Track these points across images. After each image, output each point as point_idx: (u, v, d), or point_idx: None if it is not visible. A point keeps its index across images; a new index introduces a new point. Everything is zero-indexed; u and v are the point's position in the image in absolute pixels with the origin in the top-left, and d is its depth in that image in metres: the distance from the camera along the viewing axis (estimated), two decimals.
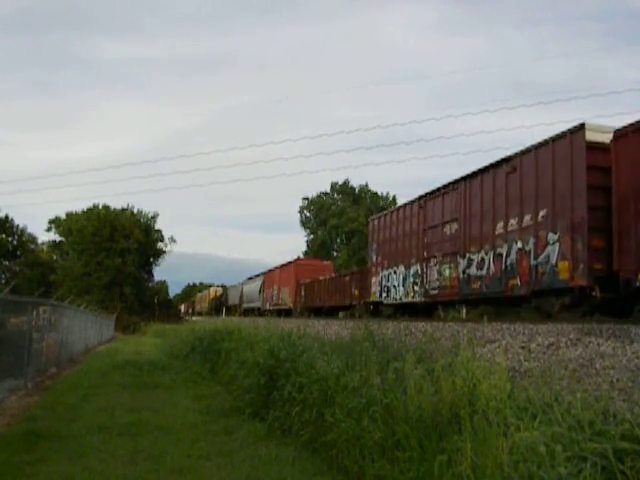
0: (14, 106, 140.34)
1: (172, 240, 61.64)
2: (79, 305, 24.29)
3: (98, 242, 54.44)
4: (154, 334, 39.06)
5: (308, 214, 68.50)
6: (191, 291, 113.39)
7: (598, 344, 7.19)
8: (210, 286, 74.74)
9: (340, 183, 67.39)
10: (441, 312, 17.20)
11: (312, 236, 67.21)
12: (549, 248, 11.34)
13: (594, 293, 10.18)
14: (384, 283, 19.21)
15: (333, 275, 28.28)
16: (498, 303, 14.43)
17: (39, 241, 68.00)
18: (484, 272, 13.50)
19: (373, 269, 20.32)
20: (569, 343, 7.62)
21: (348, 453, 5.82)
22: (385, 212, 21.04)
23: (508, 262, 12.58)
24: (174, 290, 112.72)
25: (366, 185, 67.09)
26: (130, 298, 55.15)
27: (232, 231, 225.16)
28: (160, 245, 61.36)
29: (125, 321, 50.79)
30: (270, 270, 39.92)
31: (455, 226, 15.03)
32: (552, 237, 11.29)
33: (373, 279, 20.12)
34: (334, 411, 6.33)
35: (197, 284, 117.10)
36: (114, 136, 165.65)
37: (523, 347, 8.11)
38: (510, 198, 12.69)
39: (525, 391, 4.63)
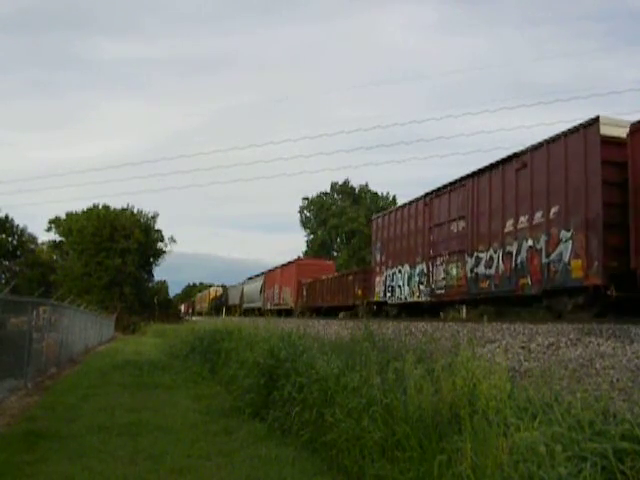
0: (14, 106, 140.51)
1: (172, 240, 61.78)
2: (79, 305, 24.29)
3: (98, 242, 54.48)
4: (154, 334, 39.06)
5: (308, 214, 68.48)
6: (191, 291, 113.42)
7: (598, 344, 7.18)
8: (210, 286, 74.73)
9: (340, 183, 67.39)
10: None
11: (312, 236, 67.18)
12: (562, 246, 11.02)
13: (609, 292, 9.87)
14: (388, 283, 18.88)
15: (336, 275, 27.91)
16: (507, 302, 14.11)
17: (39, 241, 68.12)
18: (493, 271, 13.16)
19: (377, 268, 19.95)
20: (569, 343, 7.62)
21: (348, 453, 5.82)
22: (389, 210, 20.63)
23: (518, 260, 12.26)
24: (174, 290, 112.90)
25: (366, 185, 67.13)
26: (130, 298, 55.18)
27: (232, 231, 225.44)
28: (160, 245, 61.47)
29: (125, 321, 50.79)
30: (271, 270, 39.57)
31: (462, 224, 14.69)
32: (565, 234, 10.96)
33: (377, 279, 19.79)
34: (334, 411, 6.33)
35: (197, 284, 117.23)
36: (114, 136, 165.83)
37: (523, 347, 8.11)
38: (520, 195, 12.36)
39: (525, 391, 4.63)
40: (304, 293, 30.62)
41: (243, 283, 48.81)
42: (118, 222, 56.07)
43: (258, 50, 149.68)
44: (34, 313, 13.22)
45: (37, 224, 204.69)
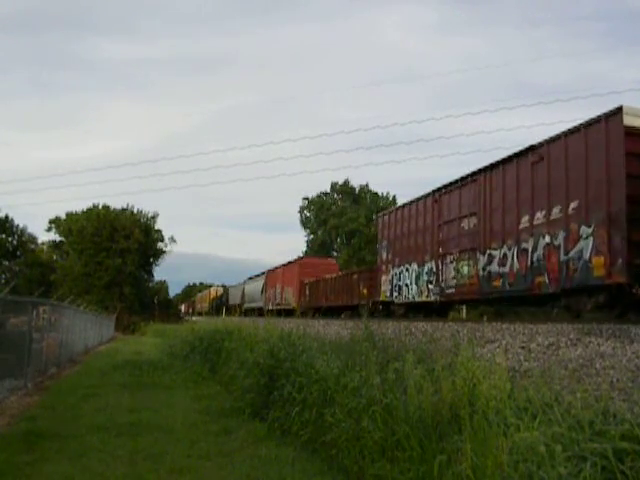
0: (14, 106, 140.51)
1: (172, 240, 61.77)
2: (79, 305, 24.29)
3: (98, 242, 54.48)
4: (154, 334, 39.06)
5: (308, 214, 68.47)
6: (191, 291, 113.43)
7: (598, 344, 7.18)
8: (210, 286, 74.65)
9: (340, 183, 67.39)
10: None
11: (312, 236, 67.18)
12: (582, 242, 10.48)
13: (634, 290, 9.48)
14: (395, 282, 18.38)
15: (340, 274, 27.35)
16: (522, 302, 13.66)
17: (39, 241, 68.18)
18: (507, 269, 12.63)
19: (383, 267, 19.46)
20: (569, 343, 7.62)
21: (348, 453, 5.82)
22: (395, 207, 20.03)
23: (534, 258, 11.73)
24: (174, 290, 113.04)
25: (366, 185, 67.14)
26: (130, 298, 55.19)
27: (232, 231, 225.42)
28: (160, 245, 61.47)
29: (125, 321, 50.81)
30: (273, 269, 39.12)
31: (474, 220, 14.19)
32: (585, 230, 10.42)
33: (383, 277, 19.29)
34: (334, 411, 6.33)
35: (197, 284, 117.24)
36: (114, 136, 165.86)
37: (523, 347, 8.10)
38: (536, 189, 11.82)
39: (525, 391, 4.63)
40: (307, 293, 30.13)
41: (244, 283, 48.65)
42: (118, 222, 56.08)
43: (258, 50, 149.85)
44: (34, 313, 13.21)
45: (37, 224, 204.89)
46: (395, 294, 18.31)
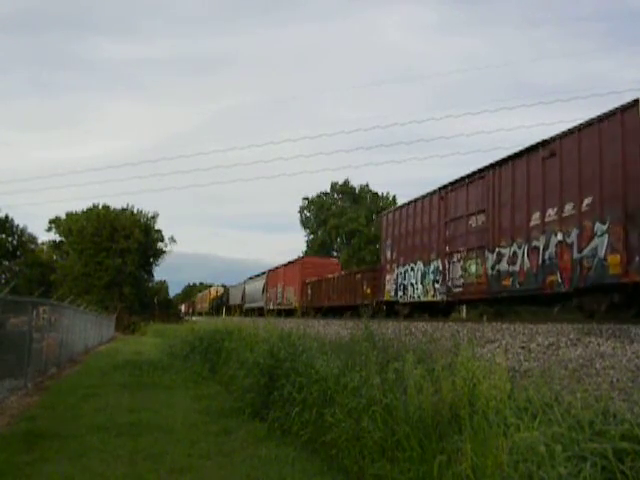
0: (14, 106, 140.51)
1: (172, 240, 61.81)
2: (79, 305, 24.29)
3: (98, 242, 54.51)
4: (154, 334, 39.06)
5: (308, 214, 68.45)
6: (191, 291, 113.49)
7: (598, 344, 7.18)
8: (210, 286, 74.66)
9: (340, 183, 67.39)
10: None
11: (312, 236, 67.16)
12: (596, 240, 10.11)
13: None
14: (400, 281, 18.02)
15: (343, 273, 26.92)
16: (533, 301, 13.26)
17: (39, 241, 68.23)
18: (517, 267, 12.28)
19: (387, 266, 19.08)
20: (569, 343, 7.62)
21: (348, 453, 5.82)
22: (400, 205, 19.43)
23: (546, 256, 11.36)
24: (174, 290, 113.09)
25: (366, 185, 67.14)
26: (130, 298, 55.21)
27: (232, 231, 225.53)
28: (160, 245, 61.53)
29: (125, 321, 50.82)
30: (274, 269, 38.82)
31: (482, 218, 13.82)
32: (600, 228, 10.07)
33: (387, 277, 18.92)
34: (334, 411, 6.34)
35: (197, 284, 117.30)
36: (114, 136, 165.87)
37: (523, 347, 8.10)
38: (548, 186, 11.47)
39: (525, 391, 4.63)
40: (309, 292, 29.77)
41: (244, 282, 48.52)
42: (118, 222, 56.11)
43: (258, 50, 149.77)
44: (34, 313, 13.22)
45: (37, 224, 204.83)
46: (400, 294, 17.99)
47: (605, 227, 9.99)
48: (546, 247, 11.43)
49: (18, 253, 66.11)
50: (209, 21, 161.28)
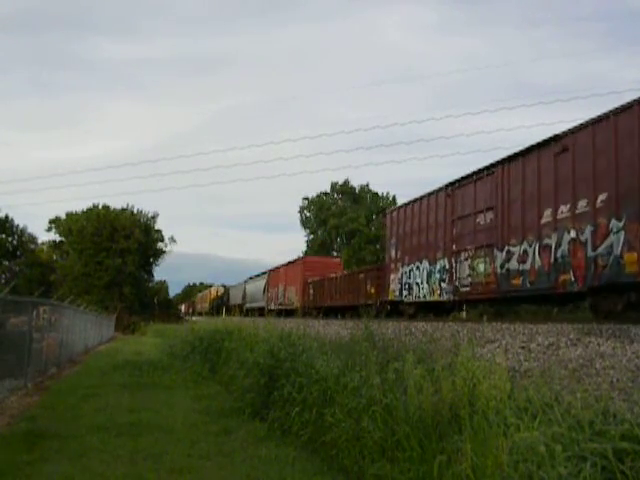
0: (14, 106, 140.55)
1: (172, 240, 61.75)
2: (79, 305, 24.29)
3: (98, 242, 54.48)
4: (154, 334, 39.05)
5: (308, 214, 68.47)
6: (191, 291, 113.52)
7: (598, 344, 7.18)
8: (210, 286, 74.67)
9: (340, 183, 67.42)
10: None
11: (312, 236, 67.20)
12: (612, 237, 9.79)
13: None
14: (405, 280, 17.67)
15: (346, 272, 26.72)
16: (544, 301, 12.92)
17: (39, 241, 68.20)
18: (528, 266, 11.93)
19: (392, 265, 18.74)
20: (569, 343, 7.62)
21: (348, 453, 5.82)
22: (405, 203, 18.91)
23: (558, 254, 11.04)
24: (174, 290, 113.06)
25: (367, 185, 67.16)
26: (130, 298, 55.18)
27: (232, 231, 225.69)
28: (160, 245, 61.45)
29: (125, 321, 50.77)
30: (275, 268, 38.62)
31: (490, 215, 13.50)
32: (616, 224, 9.76)
33: (392, 276, 18.58)
34: (334, 411, 6.34)
35: (197, 284, 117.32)
36: (114, 136, 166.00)
37: (523, 347, 8.10)
38: (560, 182, 11.16)
39: (525, 391, 4.63)
40: (311, 292, 29.50)
41: (245, 282, 48.41)
42: (118, 222, 56.07)
43: (258, 50, 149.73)
44: (34, 313, 13.22)
45: (37, 224, 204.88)
46: (405, 293, 17.70)
47: (621, 224, 9.70)
48: (558, 245, 11.13)
49: (18, 253, 66.12)
50: (209, 21, 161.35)
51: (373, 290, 21.09)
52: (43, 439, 7.38)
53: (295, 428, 7.31)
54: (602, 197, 10.14)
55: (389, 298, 18.82)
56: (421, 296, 16.65)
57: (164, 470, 6.05)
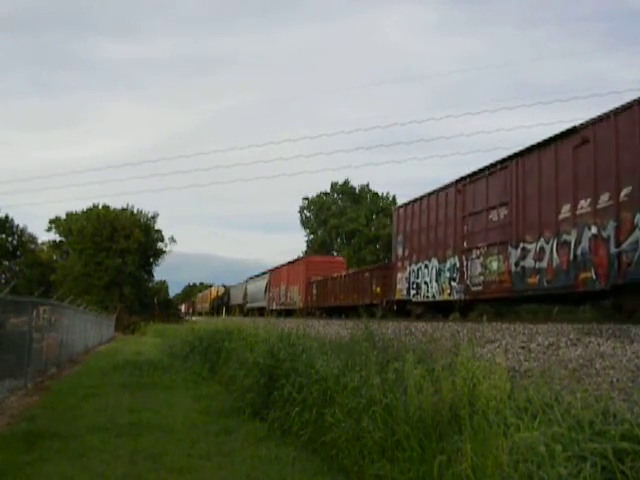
0: (14, 106, 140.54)
1: (172, 240, 61.71)
2: (79, 305, 24.29)
3: (98, 242, 54.47)
4: (154, 334, 39.05)
5: (308, 214, 68.47)
6: (191, 291, 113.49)
7: (598, 344, 7.18)
8: (210, 286, 74.66)
9: (340, 183, 67.41)
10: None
11: (312, 236, 67.18)
12: (637, 233, 9.33)
13: None
14: (413, 279, 17.25)
15: (350, 271, 26.33)
16: (562, 300, 12.36)
17: (39, 241, 68.19)
18: (544, 264, 11.46)
19: (399, 264, 18.30)
20: (569, 343, 7.62)
21: (348, 453, 5.82)
22: (414, 199, 18.28)
23: (578, 251, 10.55)
24: (174, 290, 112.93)
25: (367, 185, 67.16)
26: (130, 298, 55.16)
27: (232, 231, 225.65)
28: (160, 245, 61.39)
29: (125, 321, 50.77)
30: (277, 267, 38.41)
31: (504, 211, 13.04)
32: None
33: (399, 275, 18.14)
34: (334, 411, 6.34)
35: (197, 284, 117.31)
36: (114, 136, 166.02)
37: (523, 347, 8.11)
38: (579, 175, 10.69)
39: (525, 391, 4.63)
40: (314, 292, 29.16)
41: (246, 282, 48.22)
42: (118, 222, 56.06)
43: (258, 50, 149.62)
44: (34, 313, 13.22)
45: (37, 224, 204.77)
46: (413, 292, 17.27)
47: None
48: (578, 241, 10.64)
49: (18, 253, 66.09)
50: (209, 21, 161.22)
51: (379, 289, 20.72)
52: (43, 439, 7.38)
53: (295, 428, 7.31)
54: (626, 191, 9.68)
55: (396, 298, 18.43)
56: (430, 295, 16.26)
57: (164, 470, 6.05)
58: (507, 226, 12.94)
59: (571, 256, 10.82)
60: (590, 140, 10.60)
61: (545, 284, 11.54)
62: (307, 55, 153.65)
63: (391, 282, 19.05)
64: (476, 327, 10.15)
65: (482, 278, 13.76)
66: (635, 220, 9.46)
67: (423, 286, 16.72)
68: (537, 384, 4.88)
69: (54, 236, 64.24)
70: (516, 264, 12.46)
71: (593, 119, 10.67)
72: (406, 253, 18.07)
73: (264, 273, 41.98)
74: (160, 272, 67.09)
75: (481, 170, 14.32)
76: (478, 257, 14.00)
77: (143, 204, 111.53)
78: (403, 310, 18.18)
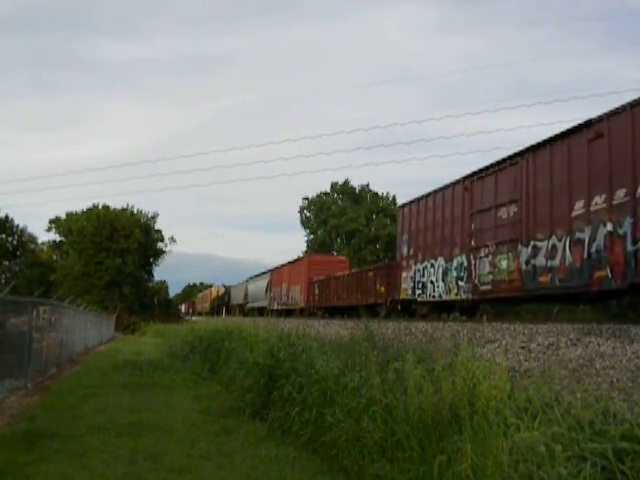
0: (14, 106, 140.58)
1: (172, 240, 61.68)
2: (79, 305, 24.29)
3: (98, 242, 54.45)
4: (154, 334, 39.04)
5: (308, 214, 68.43)
6: (191, 291, 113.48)
7: (598, 344, 7.18)
8: (210, 286, 74.64)
9: (340, 183, 67.39)
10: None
11: (312, 236, 67.16)
12: None
13: None
14: (418, 278, 16.97)
15: (353, 271, 26.11)
16: (575, 299, 12.10)
17: (39, 241, 68.17)
18: (557, 262, 11.14)
19: (404, 263, 18.00)
20: (569, 343, 7.62)
21: (348, 453, 5.82)
22: (419, 197, 17.88)
23: (593, 249, 10.25)
24: (174, 290, 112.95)
25: (367, 185, 67.13)
26: (130, 298, 55.15)
27: (232, 231, 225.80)
28: (160, 245, 61.37)
29: (125, 321, 50.76)
30: (278, 267, 38.20)
31: (514, 208, 12.72)
32: None
33: (404, 274, 17.84)
34: (334, 411, 6.34)
35: (197, 284, 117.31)
36: (114, 136, 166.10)
37: (523, 347, 8.11)
38: (594, 171, 10.38)
39: (525, 391, 4.63)
40: (316, 292, 28.90)
41: (247, 282, 48.06)
42: (118, 222, 56.04)
43: (258, 50, 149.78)
44: (34, 313, 13.22)
45: (37, 224, 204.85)
46: (418, 292, 16.97)
47: None
48: (592, 239, 10.31)
49: (18, 253, 66.08)
50: (209, 21, 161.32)
51: (383, 289, 20.47)
52: (43, 439, 7.37)
53: (295, 428, 7.31)
54: None
55: (401, 297, 18.13)
56: (436, 295, 15.97)
57: (164, 470, 6.05)
58: (517, 223, 12.65)
59: (585, 254, 10.50)
60: (605, 134, 10.31)
61: (557, 283, 11.23)
62: (307, 55, 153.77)
63: (395, 281, 18.80)
64: (476, 327, 10.15)
65: (491, 277, 13.47)
66: None
67: (429, 285, 16.44)
68: (537, 384, 4.88)
69: (54, 236, 64.29)
70: (527, 262, 12.14)
71: (608, 112, 10.33)
72: (411, 252, 17.78)
73: (265, 273, 41.85)
74: (160, 272, 67.14)
75: (490, 166, 14.03)
76: (487, 255, 13.69)
77: (143, 204, 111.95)
78: (408, 310, 17.96)
